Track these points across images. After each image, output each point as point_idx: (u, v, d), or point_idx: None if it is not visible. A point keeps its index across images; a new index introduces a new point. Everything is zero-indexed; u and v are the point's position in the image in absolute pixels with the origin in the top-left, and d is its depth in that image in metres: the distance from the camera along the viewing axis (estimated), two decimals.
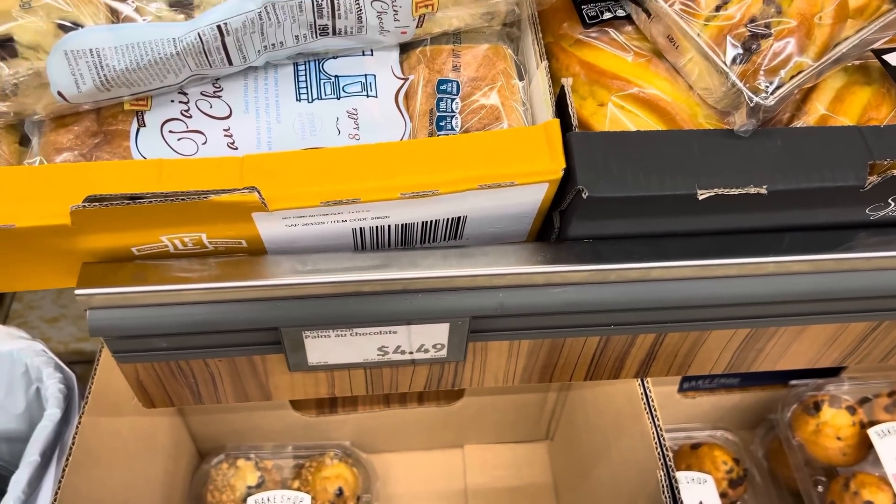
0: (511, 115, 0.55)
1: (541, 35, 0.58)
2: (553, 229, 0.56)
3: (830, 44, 0.53)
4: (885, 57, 0.60)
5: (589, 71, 0.58)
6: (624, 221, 0.54)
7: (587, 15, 0.59)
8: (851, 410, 1.10)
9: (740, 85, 0.51)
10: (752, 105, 0.50)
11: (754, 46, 0.51)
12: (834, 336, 0.66)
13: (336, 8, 0.50)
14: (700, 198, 0.50)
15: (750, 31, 0.51)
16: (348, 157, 0.50)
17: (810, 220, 0.56)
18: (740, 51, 0.51)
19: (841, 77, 0.61)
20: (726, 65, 0.51)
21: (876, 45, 0.60)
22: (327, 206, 0.49)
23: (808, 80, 0.53)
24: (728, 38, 0.51)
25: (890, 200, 0.55)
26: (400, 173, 0.50)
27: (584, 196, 0.50)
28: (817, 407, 1.11)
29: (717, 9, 0.52)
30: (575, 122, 0.52)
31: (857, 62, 0.61)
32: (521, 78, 0.58)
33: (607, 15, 0.58)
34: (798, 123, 0.58)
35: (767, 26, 0.51)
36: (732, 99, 0.52)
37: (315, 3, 0.49)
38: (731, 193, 0.51)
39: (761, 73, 0.50)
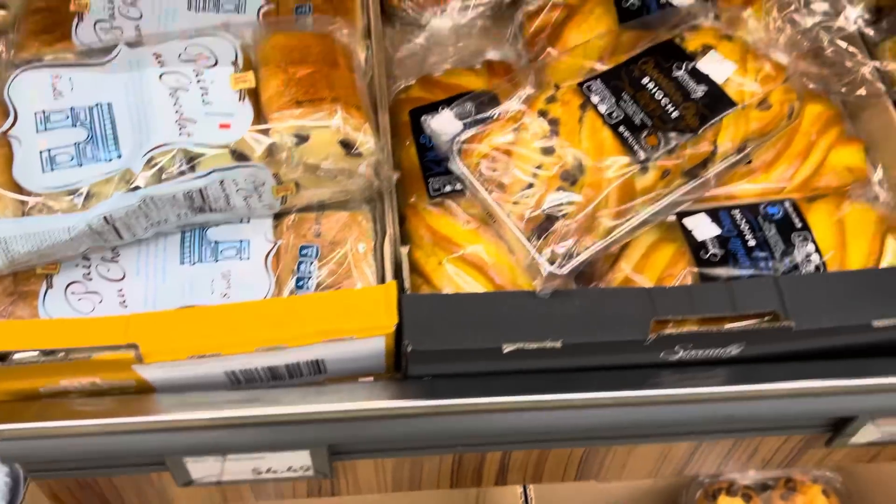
0: (362, 276, 0.66)
1: (396, 203, 0.70)
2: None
3: (621, 219, 0.64)
4: (685, 220, 0.71)
5: (432, 234, 0.69)
6: (454, 364, 0.65)
7: (432, 187, 0.70)
8: (747, 498, 1.18)
9: (538, 258, 0.62)
10: (545, 275, 0.61)
11: (549, 226, 0.62)
12: (663, 453, 0.75)
13: (206, 198, 0.61)
14: (504, 351, 0.61)
15: (546, 213, 0.62)
16: (213, 316, 0.61)
17: (617, 362, 0.66)
18: (538, 229, 0.62)
19: (654, 234, 0.72)
20: (528, 241, 0.62)
21: (683, 207, 0.72)
22: (194, 359, 0.60)
23: (599, 252, 0.64)
24: (528, 218, 0.62)
25: (677, 348, 0.65)
26: (255, 330, 0.60)
27: (408, 349, 0.61)
28: (715, 496, 1.19)
29: (522, 193, 0.63)
30: (408, 284, 0.63)
31: (673, 217, 0.72)
32: (380, 240, 0.69)
33: (448, 188, 0.70)
34: (608, 281, 0.69)
35: (561, 208, 0.62)
36: (535, 268, 0.62)
37: (186, 195, 0.60)
38: (531, 348, 0.61)
39: (555, 248, 0.61)
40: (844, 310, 0.64)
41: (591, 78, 0.67)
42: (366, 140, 0.63)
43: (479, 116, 0.69)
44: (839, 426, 0.72)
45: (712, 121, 0.66)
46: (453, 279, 0.67)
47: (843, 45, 0.79)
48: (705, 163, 0.67)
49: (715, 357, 0.67)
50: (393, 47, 0.86)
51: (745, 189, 0.76)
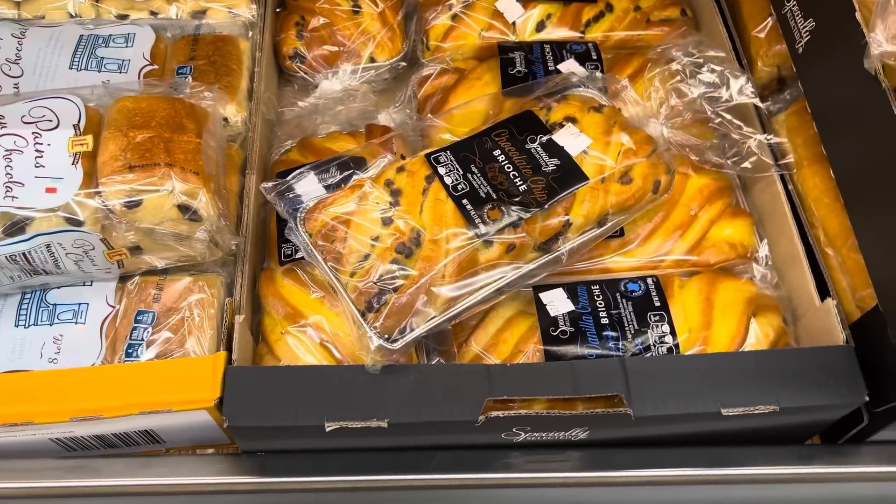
0: (198, 344, 0.64)
1: (248, 268, 0.68)
2: None
3: (460, 293, 0.62)
4: (541, 295, 0.69)
5: (280, 301, 0.67)
6: (284, 440, 0.62)
7: (284, 253, 0.69)
8: None
9: (368, 331, 0.59)
10: (372, 349, 0.59)
11: (381, 299, 0.60)
12: None
13: (32, 261, 0.61)
14: (328, 430, 0.59)
15: (379, 287, 0.60)
16: (32, 383, 0.60)
17: (456, 441, 0.64)
18: (370, 302, 0.60)
19: (515, 307, 0.70)
20: (359, 314, 0.60)
21: (545, 281, 0.70)
22: (6, 427, 0.58)
23: (437, 326, 0.62)
24: (361, 290, 0.60)
25: (515, 430, 0.62)
26: (70, 399, 0.59)
27: (226, 425, 0.58)
28: None
29: (358, 265, 0.61)
30: (235, 356, 0.62)
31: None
32: (231, 301, 0.68)
33: (299, 255, 0.68)
34: (461, 355, 0.67)
35: (393, 281, 0.60)
36: (366, 342, 0.60)
37: (9, 258, 0.59)
38: (355, 426, 0.59)
39: (384, 322, 0.59)
40: (692, 396, 0.61)
41: (442, 149, 0.66)
42: (202, 205, 0.62)
43: (339, 181, 0.68)
44: None
45: (561, 195, 0.64)
46: (294, 350, 0.65)
47: (728, 116, 0.77)
48: (557, 237, 0.65)
49: (563, 440, 0.64)
50: (289, 109, 0.86)
51: (619, 263, 0.74)
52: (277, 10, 0.93)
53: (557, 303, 0.68)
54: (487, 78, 0.84)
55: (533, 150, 0.66)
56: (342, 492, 0.63)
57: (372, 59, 0.89)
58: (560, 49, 0.86)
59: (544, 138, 0.67)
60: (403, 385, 0.61)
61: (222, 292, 0.69)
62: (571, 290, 0.68)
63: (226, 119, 0.79)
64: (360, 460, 0.63)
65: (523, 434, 0.63)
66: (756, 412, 0.60)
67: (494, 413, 0.59)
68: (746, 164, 0.76)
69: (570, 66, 0.83)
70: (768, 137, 0.77)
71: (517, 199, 0.63)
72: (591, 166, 0.67)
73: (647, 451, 0.64)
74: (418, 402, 0.60)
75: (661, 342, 0.65)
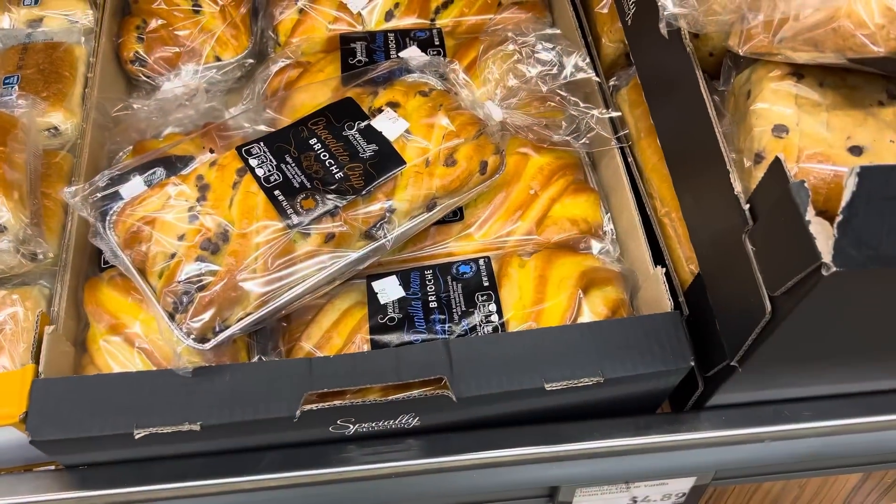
0: (9, 359, 0.62)
1: (68, 278, 0.66)
2: None
3: (276, 286, 0.60)
4: (373, 283, 0.68)
5: (101, 308, 0.65)
6: (99, 452, 0.60)
7: (103, 260, 0.67)
8: None
9: (176, 333, 0.58)
10: (179, 351, 0.57)
11: (187, 300, 0.58)
12: None
13: None
14: (137, 437, 0.56)
15: (184, 287, 0.58)
16: None
17: (287, 439, 0.62)
18: (177, 304, 0.58)
19: (351, 298, 0.69)
20: (166, 315, 0.58)
21: (377, 270, 0.69)
22: None
23: (255, 324, 0.60)
24: (167, 292, 0.58)
25: (340, 422, 0.61)
26: None
27: (30, 440, 0.56)
28: None
29: (164, 265, 0.59)
30: (44, 368, 0.59)
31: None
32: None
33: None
34: (295, 351, 0.65)
35: (200, 279, 0.58)
36: (175, 344, 0.59)
37: None
38: (166, 432, 0.57)
39: (190, 322, 0.58)
40: (515, 373, 0.60)
41: (254, 141, 0.64)
42: (3, 215, 0.60)
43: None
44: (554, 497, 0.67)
45: (379, 180, 0.63)
46: (113, 359, 0.63)
47: (564, 93, 0.77)
48: (381, 223, 0.64)
49: (396, 429, 0.63)
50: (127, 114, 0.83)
51: (462, 247, 0.73)
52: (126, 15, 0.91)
53: (389, 290, 0.66)
54: (330, 70, 0.82)
55: (350, 137, 0.65)
56: (168, 500, 0.61)
57: (218, 58, 0.87)
58: (404, 37, 0.85)
59: (362, 124, 0.66)
60: (219, 386, 0.59)
61: (42, 304, 0.66)
62: (405, 277, 0.67)
63: (56, 127, 0.77)
64: (188, 467, 0.61)
65: (352, 426, 0.61)
66: (580, 385, 0.60)
67: (309, 406, 0.58)
68: (585, 140, 0.76)
69: (411, 52, 0.82)
70: (604, 112, 0.77)
71: (333, 188, 0.62)
72: (412, 150, 0.66)
73: (483, 434, 0.63)
74: (233, 402, 0.58)
75: (487, 321, 0.64)
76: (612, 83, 0.85)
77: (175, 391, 0.58)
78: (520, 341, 0.62)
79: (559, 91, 0.77)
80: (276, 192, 0.61)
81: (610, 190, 0.79)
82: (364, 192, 0.63)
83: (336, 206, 0.62)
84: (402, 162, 0.64)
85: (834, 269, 0.43)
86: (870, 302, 0.49)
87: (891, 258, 0.44)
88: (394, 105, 0.68)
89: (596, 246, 0.73)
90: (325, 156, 0.64)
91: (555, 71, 0.78)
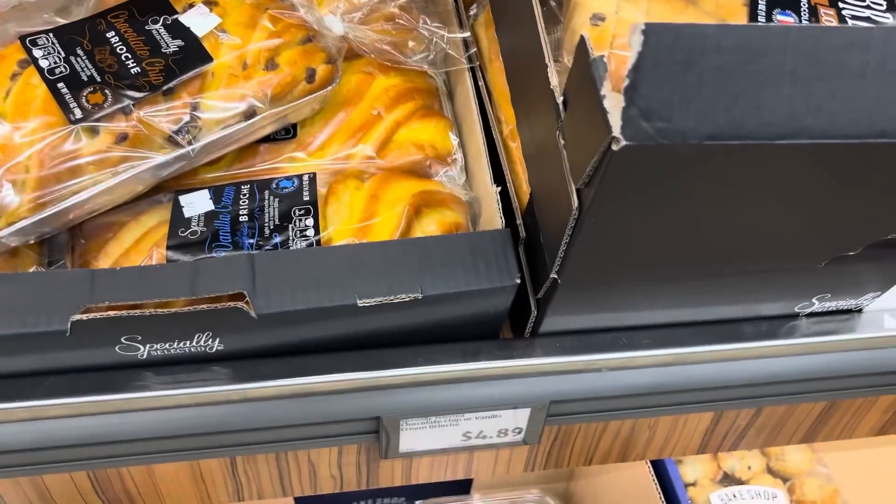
0: None
1: None
2: None
3: (51, 189, 0.54)
4: (181, 197, 0.62)
5: None
6: None
7: None
8: None
9: None
10: None
11: None
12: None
13: None
14: None
15: None
16: None
17: (69, 362, 0.56)
18: None
19: (159, 215, 0.63)
20: None
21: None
22: None
23: (29, 229, 0.54)
24: None
25: (126, 341, 0.55)
26: None
27: None
28: None
29: None
30: None
31: None
32: None
33: None
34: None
35: None
36: None
37: None
38: None
39: None
40: (326, 288, 0.55)
41: (43, 31, 0.58)
42: None
43: None
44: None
45: (180, 77, 0.57)
46: None
47: (413, 12, 0.72)
48: (187, 128, 0.58)
49: (197, 353, 0.57)
50: None
51: (295, 167, 0.68)
52: None
53: (197, 204, 0.60)
54: None
55: (154, 32, 0.59)
56: None
57: None
58: None
59: (169, 19, 0.60)
60: None
61: None
62: (217, 192, 0.61)
63: None
64: None
65: (143, 347, 0.55)
66: (396, 301, 0.55)
67: (81, 316, 0.51)
68: (432, 58, 0.72)
69: None
70: (455, 32, 0.72)
71: (127, 82, 0.56)
72: (225, 49, 0.60)
73: (293, 360, 0.58)
74: None
75: (302, 236, 0.59)
76: (472, 12, 0.80)
77: None
78: (333, 256, 0.56)
79: (411, 8, 0.73)
80: (60, 85, 0.55)
81: (461, 117, 0.74)
82: (164, 89, 0.56)
83: (130, 103, 0.55)
84: (208, 59, 0.58)
85: (624, 142, 0.40)
86: (674, 194, 0.45)
87: (684, 132, 0.40)
88: (210, 3, 0.62)
89: (439, 171, 0.68)
90: (121, 49, 0.57)
91: None
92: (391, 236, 0.61)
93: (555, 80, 0.50)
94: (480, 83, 0.73)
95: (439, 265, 0.57)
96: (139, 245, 0.60)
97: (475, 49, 0.73)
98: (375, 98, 0.71)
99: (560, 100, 0.49)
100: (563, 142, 0.48)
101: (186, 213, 0.59)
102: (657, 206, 0.46)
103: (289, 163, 0.67)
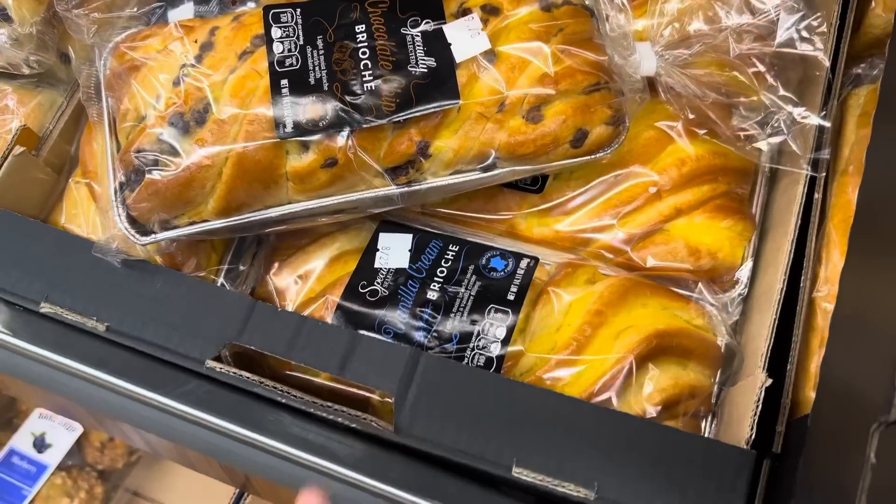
0: None
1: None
2: None
3: (240, 201, 0.47)
4: (381, 234, 0.52)
5: (86, 145, 0.56)
6: None
7: None
8: None
9: (116, 210, 0.47)
10: (109, 234, 0.47)
11: (136, 178, 0.46)
12: None
13: None
14: (41, 310, 0.48)
15: (139, 161, 0.46)
16: None
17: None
18: (129, 176, 0.47)
19: (360, 239, 0.54)
20: (114, 183, 0.47)
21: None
22: None
23: (211, 233, 0.48)
24: (123, 159, 0.47)
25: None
26: None
27: None
28: None
29: (131, 125, 0.48)
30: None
31: None
32: None
33: None
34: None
35: (157, 158, 0.46)
36: (110, 221, 0.48)
37: None
38: (69, 319, 0.48)
39: (141, 205, 0.46)
40: (481, 435, 0.43)
41: (291, 4, 0.48)
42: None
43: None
44: None
45: (414, 110, 0.45)
46: (74, 203, 0.54)
47: (761, 67, 0.52)
48: (408, 166, 0.47)
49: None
50: None
51: (527, 227, 0.54)
52: None
53: (394, 252, 0.50)
54: None
55: (409, 38, 0.47)
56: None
57: None
58: None
59: (432, 25, 0.47)
60: (147, 289, 0.48)
61: (42, 115, 0.58)
62: (421, 244, 0.51)
63: None
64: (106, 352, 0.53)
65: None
66: (558, 489, 0.42)
67: (218, 366, 0.45)
68: (761, 146, 0.52)
69: None
70: (808, 114, 0.51)
71: (355, 100, 0.46)
72: (481, 84, 0.46)
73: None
74: (153, 315, 0.48)
75: (481, 349, 0.46)
76: (855, 71, 0.57)
77: (99, 276, 0.49)
78: (509, 393, 0.44)
79: (754, 60, 0.52)
80: (283, 83, 0.46)
81: (772, 228, 0.54)
82: (392, 119, 0.45)
83: (350, 129, 0.45)
84: (456, 96, 0.45)
85: None
86: None
87: None
88: (491, 11, 0.48)
89: (715, 299, 0.51)
90: (364, 54, 0.47)
91: (764, 25, 0.52)
92: (595, 381, 0.46)
93: None
94: (817, 195, 0.52)
95: (636, 464, 0.42)
96: (322, 276, 0.52)
97: (828, 148, 0.52)
98: (664, 168, 0.53)
99: None
100: None
101: (377, 263, 0.50)
102: None
103: (523, 219, 0.54)
